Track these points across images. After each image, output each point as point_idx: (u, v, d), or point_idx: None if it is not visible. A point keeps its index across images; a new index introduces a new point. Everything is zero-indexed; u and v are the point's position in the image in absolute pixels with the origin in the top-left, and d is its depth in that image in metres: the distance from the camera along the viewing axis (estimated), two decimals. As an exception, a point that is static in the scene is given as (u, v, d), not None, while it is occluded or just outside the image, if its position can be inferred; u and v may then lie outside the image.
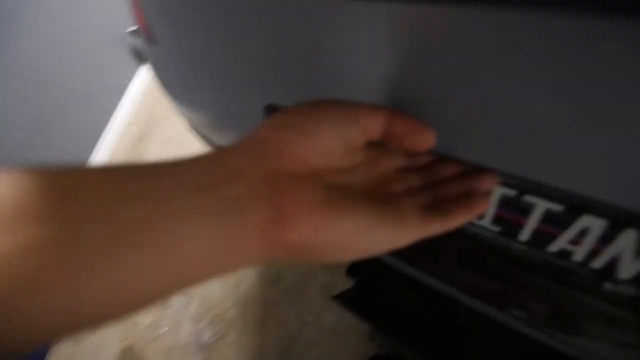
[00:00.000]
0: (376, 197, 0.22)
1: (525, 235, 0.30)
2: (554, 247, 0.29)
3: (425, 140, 0.23)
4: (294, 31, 0.33)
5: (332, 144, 0.21)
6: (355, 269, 0.96)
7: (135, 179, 0.16)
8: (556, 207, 0.27)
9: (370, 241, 0.20)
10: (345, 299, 0.78)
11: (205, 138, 0.82)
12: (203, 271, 0.17)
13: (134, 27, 2.30)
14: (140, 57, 2.42)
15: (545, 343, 0.38)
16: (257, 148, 0.20)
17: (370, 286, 0.80)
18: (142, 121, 2.30)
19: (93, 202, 0.14)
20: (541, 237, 0.29)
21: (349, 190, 0.21)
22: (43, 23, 1.98)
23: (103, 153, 2.25)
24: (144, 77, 2.46)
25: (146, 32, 0.63)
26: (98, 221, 0.14)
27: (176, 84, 0.67)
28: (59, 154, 2.05)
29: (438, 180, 0.26)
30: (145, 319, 1.50)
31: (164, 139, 2.09)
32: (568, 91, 0.20)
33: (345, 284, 1.15)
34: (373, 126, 0.22)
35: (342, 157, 0.22)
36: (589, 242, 0.26)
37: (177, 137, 1.99)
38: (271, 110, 0.45)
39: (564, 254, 0.29)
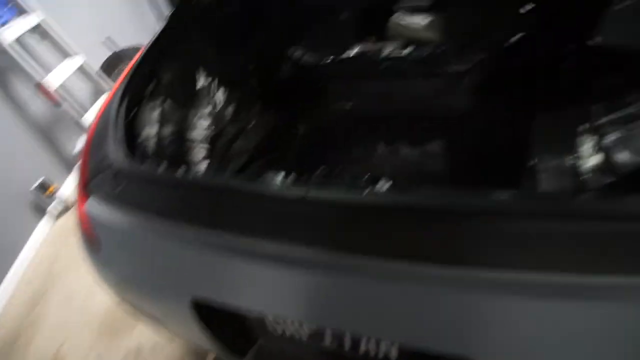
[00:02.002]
0: None
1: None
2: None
3: None
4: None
5: None
6: None
7: None
8: None
9: None
10: None
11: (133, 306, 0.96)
12: None
13: (38, 183, 2.33)
14: (41, 212, 2.42)
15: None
16: None
17: None
18: (41, 279, 2.20)
19: None
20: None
21: None
22: None
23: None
24: (41, 234, 2.42)
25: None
26: None
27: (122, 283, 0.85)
28: None
29: None
30: None
31: (68, 294, 2.03)
32: None
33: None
34: None
35: None
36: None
37: (82, 290, 1.96)
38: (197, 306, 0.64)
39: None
